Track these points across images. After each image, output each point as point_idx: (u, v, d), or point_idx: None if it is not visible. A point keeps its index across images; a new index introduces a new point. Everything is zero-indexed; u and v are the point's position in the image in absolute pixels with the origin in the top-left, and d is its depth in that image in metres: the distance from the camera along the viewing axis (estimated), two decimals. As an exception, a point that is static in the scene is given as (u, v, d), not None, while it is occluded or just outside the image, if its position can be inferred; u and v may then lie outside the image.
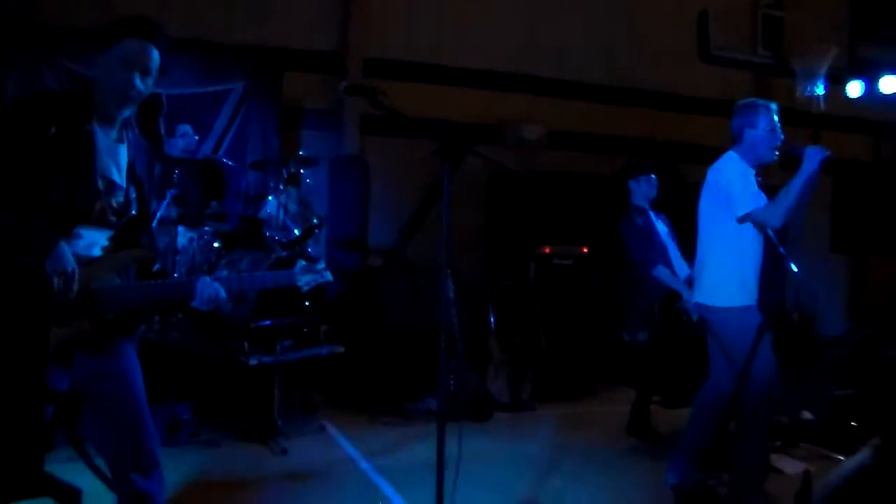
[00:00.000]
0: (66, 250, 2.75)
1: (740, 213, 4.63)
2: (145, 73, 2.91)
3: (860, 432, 5.97)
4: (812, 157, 4.49)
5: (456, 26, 10.04)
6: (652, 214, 6.56)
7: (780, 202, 4.52)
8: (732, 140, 4.88)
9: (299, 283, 3.23)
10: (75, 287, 2.74)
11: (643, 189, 6.58)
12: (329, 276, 3.28)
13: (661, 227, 6.52)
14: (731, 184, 4.69)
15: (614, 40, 10.71)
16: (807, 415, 6.54)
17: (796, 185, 4.47)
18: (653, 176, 6.60)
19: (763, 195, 4.63)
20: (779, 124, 4.81)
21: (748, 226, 4.69)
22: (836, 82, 9.29)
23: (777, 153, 4.79)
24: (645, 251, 6.32)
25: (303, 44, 9.41)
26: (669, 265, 6.25)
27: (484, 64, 10.15)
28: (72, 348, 2.80)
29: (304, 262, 3.30)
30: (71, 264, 2.74)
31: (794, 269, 5.16)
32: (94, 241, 2.92)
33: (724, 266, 4.77)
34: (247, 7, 9.15)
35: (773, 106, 4.84)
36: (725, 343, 4.85)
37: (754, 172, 4.76)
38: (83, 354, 2.84)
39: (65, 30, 7.80)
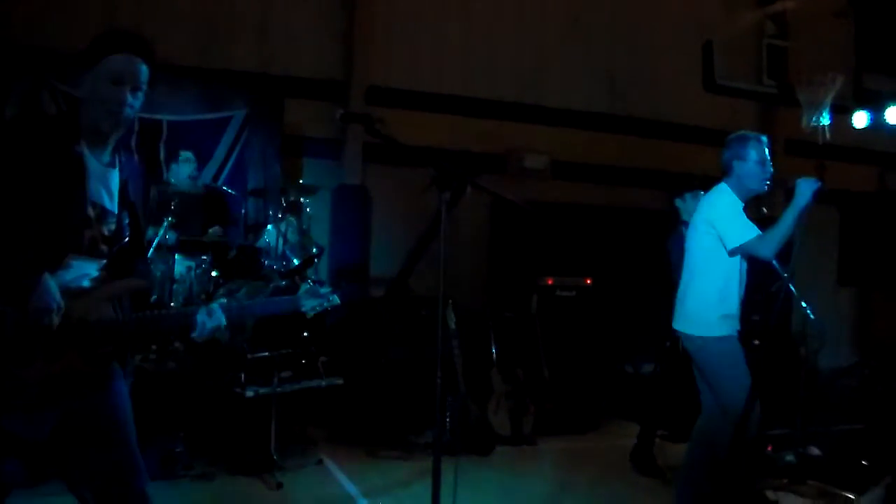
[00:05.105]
0: (52, 284, 2.61)
1: (732, 246, 4.65)
2: (135, 88, 2.78)
3: (871, 470, 5.84)
4: (804, 189, 4.47)
5: (459, 55, 10.02)
6: None
7: (772, 234, 4.54)
8: (723, 172, 4.91)
9: (304, 308, 3.13)
10: (57, 321, 2.61)
11: (690, 207, 6.48)
12: (336, 299, 3.18)
13: None
14: (721, 216, 4.72)
15: (619, 70, 10.70)
16: (814, 450, 6.41)
17: (788, 216, 4.49)
18: (701, 192, 6.49)
19: (754, 226, 4.61)
20: (769, 157, 4.84)
21: (737, 258, 4.68)
22: (842, 112, 9.22)
23: (768, 185, 4.83)
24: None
25: (304, 71, 9.35)
26: None
27: (487, 93, 10.11)
28: (59, 385, 2.67)
29: (308, 286, 3.20)
30: (56, 300, 2.60)
31: (794, 290, 5.12)
32: (85, 271, 2.78)
33: (707, 296, 4.79)
34: (248, 34, 9.11)
35: (764, 138, 4.89)
36: (705, 371, 4.83)
37: (743, 205, 4.78)
38: (71, 392, 2.71)
39: (63, 52, 7.73)
